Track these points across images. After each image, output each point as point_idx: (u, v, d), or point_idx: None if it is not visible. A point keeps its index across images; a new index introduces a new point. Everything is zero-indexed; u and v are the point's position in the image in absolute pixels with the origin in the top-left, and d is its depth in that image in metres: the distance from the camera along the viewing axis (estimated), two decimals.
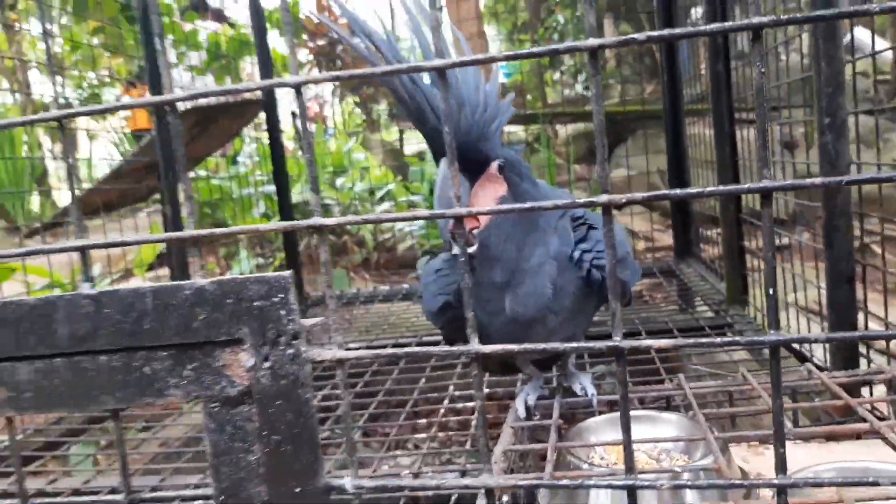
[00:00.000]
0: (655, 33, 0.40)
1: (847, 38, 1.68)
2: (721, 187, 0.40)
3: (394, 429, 1.32)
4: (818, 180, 0.39)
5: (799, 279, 1.62)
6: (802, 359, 1.39)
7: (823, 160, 1.22)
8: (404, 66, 0.46)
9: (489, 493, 0.41)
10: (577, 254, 0.89)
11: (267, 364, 0.42)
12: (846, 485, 0.41)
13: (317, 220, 0.43)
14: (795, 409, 0.87)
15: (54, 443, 1.64)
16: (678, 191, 0.40)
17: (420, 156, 5.94)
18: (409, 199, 4.59)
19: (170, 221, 2.29)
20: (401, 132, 7.28)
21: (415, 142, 6.62)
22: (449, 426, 1.52)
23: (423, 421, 1.38)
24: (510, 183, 0.88)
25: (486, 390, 1.38)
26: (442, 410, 1.35)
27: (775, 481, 0.40)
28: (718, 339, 0.41)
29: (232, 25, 5.91)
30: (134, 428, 1.85)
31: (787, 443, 0.91)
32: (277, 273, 0.42)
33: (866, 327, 1.21)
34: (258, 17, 2.87)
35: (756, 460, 0.86)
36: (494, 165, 0.87)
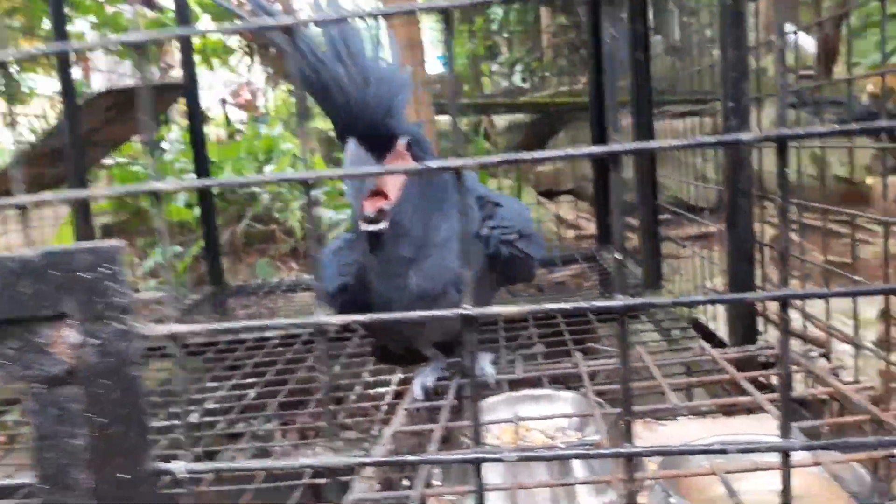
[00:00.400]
0: None
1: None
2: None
3: (303, 417, 1.29)
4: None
5: (717, 267, 1.67)
6: (710, 337, 1.43)
7: (727, 143, 1.24)
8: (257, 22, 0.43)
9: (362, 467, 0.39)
10: (484, 231, 0.89)
11: (93, 341, 0.39)
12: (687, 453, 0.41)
13: (154, 185, 0.40)
14: (689, 384, 0.89)
15: None
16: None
17: None
18: (338, 188, 4.53)
19: (79, 209, 2.19)
20: None
21: None
22: (366, 413, 1.50)
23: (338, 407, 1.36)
24: (417, 160, 0.87)
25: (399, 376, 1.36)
26: (353, 397, 1.33)
27: (622, 450, 0.39)
28: (568, 305, 0.40)
29: (162, 11, 5.70)
30: None
31: (682, 418, 0.93)
32: (108, 241, 0.39)
33: (764, 308, 1.25)
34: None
35: (649, 436, 0.87)
36: (402, 143, 0.85)
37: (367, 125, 0.80)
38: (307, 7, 0.86)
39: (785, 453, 0.39)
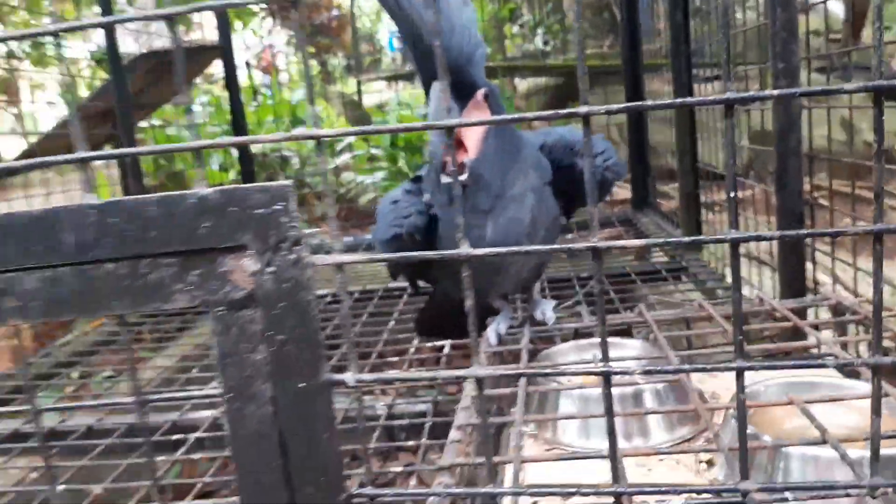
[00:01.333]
0: None
1: None
2: (685, 99, 0.44)
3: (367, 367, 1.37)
4: (775, 92, 0.43)
5: (762, 228, 1.71)
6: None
7: (777, 104, 1.27)
8: None
9: (479, 381, 0.45)
10: (598, 162, 0.94)
11: (270, 269, 0.45)
12: None
13: (197, 143, 0.46)
14: (747, 330, 0.94)
15: (22, 387, 1.64)
16: (649, 102, 0.44)
17: (380, 107, 5.88)
18: (368, 152, 4.56)
19: (129, 169, 2.25)
20: (358, 84, 7.17)
21: (373, 94, 6.54)
22: (425, 363, 1.57)
23: (396, 359, 1.43)
24: (494, 113, 0.90)
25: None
26: (412, 349, 1.40)
27: (733, 365, 0.44)
28: (685, 238, 0.45)
29: None
30: (100, 376, 1.86)
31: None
32: (279, 182, 0.45)
33: (814, 266, 1.29)
34: None
35: (711, 381, 0.92)
36: (481, 93, 0.89)
37: (450, 71, 0.83)
38: None
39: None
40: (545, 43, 9.43)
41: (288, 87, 6.18)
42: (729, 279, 1.69)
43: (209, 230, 0.45)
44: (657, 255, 2.09)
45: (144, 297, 0.47)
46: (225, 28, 2.73)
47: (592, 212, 0.45)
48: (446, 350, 1.45)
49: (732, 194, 0.45)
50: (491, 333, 0.98)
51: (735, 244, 0.44)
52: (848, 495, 0.52)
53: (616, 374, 0.45)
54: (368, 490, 0.49)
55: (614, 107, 0.44)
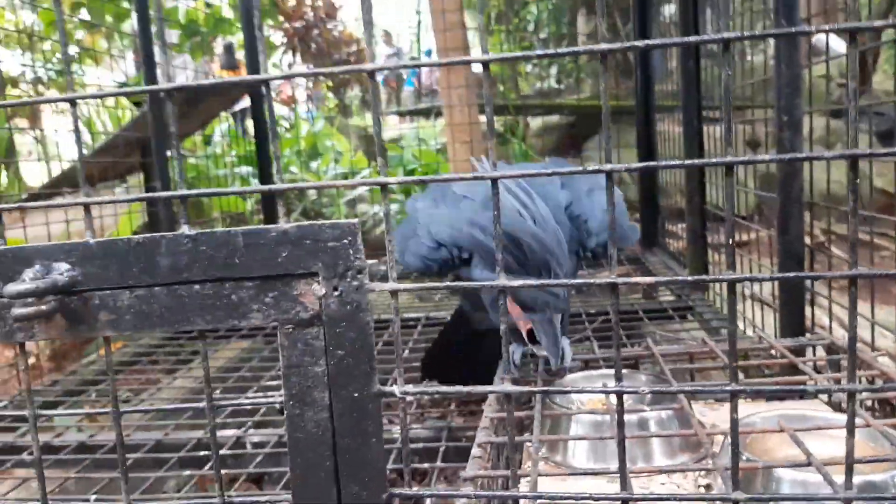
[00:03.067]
0: (625, 44, 0.51)
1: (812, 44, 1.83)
2: (691, 161, 0.52)
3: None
4: (766, 157, 0.51)
5: (765, 270, 1.78)
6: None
7: (780, 154, 1.35)
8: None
9: (508, 397, 0.52)
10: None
11: (336, 293, 0.53)
12: None
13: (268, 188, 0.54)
14: (746, 366, 1.01)
15: (53, 402, 1.71)
16: (663, 162, 0.52)
17: (396, 141, 6.02)
18: None
19: (162, 201, 2.35)
20: (374, 95, 7.33)
21: (391, 128, 6.68)
22: None
23: None
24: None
25: None
26: None
27: (727, 388, 0.52)
28: (687, 278, 0.53)
29: (208, 4, 5.91)
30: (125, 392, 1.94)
31: (738, 401, 1.04)
32: (348, 220, 0.53)
33: (812, 307, 1.36)
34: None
35: (712, 414, 0.99)
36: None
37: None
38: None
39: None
40: (558, 82, 9.62)
41: (306, 120, 6.35)
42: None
43: (286, 258, 0.53)
44: (664, 294, 2.16)
45: (225, 314, 0.55)
46: (255, 64, 2.85)
47: (612, 253, 0.53)
48: None
49: (731, 241, 0.53)
50: (507, 361, 1.05)
51: (732, 284, 0.52)
52: None
53: (628, 392, 0.52)
54: (408, 491, 0.56)
55: (633, 165, 0.52)
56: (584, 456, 0.88)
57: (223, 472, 1.34)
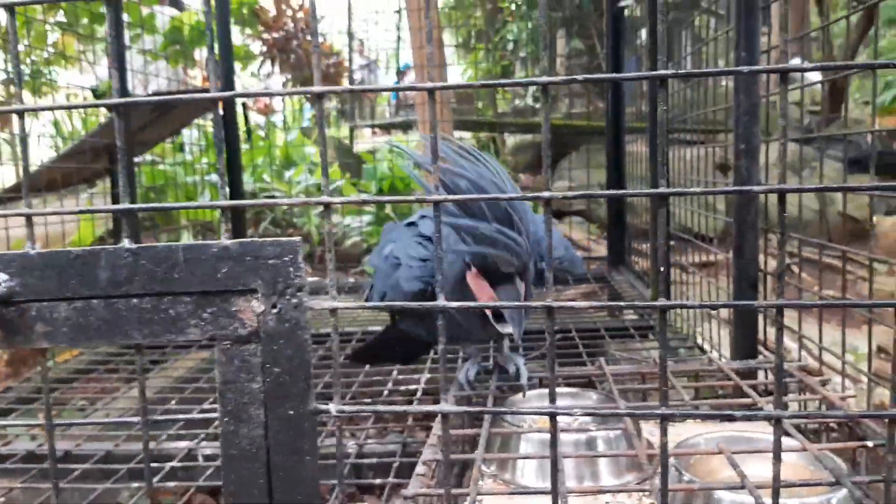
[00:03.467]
0: (595, 76, 0.52)
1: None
2: (616, 191, 0.53)
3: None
4: (698, 189, 0.52)
5: (722, 293, 1.81)
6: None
7: (737, 181, 1.39)
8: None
9: (444, 416, 0.53)
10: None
11: (274, 310, 0.53)
12: None
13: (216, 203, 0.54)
14: (696, 388, 1.02)
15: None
16: (608, 191, 0.53)
17: (372, 153, 6.02)
18: (357, 196, 4.67)
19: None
20: (351, 130, 7.34)
21: (366, 140, 6.69)
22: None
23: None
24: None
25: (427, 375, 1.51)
26: (385, 392, 1.47)
27: (657, 411, 0.53)
28: (621, 304, 0.54)
29: (181, 10, 5.87)
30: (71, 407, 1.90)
31: (688, 422, 1.06)
32: (290, 238, 0.53)
33: (765, 329, 1.39)
34: (222, 5, 2.91)
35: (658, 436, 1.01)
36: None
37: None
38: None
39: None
40: (535, 100, 9.72)
41: (282, 129, 6.32)
42: (693, 340, 1.78)
43: (225, 275, 0.53)
44: (628, 313, 2.18)
45: (162, 328, 0.54)
46: (229, 73, 2.84)
47: (549, 277, 0.54)
48: (418, 395, 1.52)
49: (662, 269, 0.54)
50: (461, 378, 1.06)
51: (663, 311, 0.53)
52: None
53: (560, 414, 0.53)
54: None
55: (570, 194, 0.53)
56: (533, 474, 0.88)
57: (173, 483, 1.33)
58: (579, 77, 0.52)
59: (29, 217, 0.57)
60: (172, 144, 4.85)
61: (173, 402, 1.67)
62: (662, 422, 0.53)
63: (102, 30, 4.77)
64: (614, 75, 0.51)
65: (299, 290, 0.52)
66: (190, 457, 1.32)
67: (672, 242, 2.19)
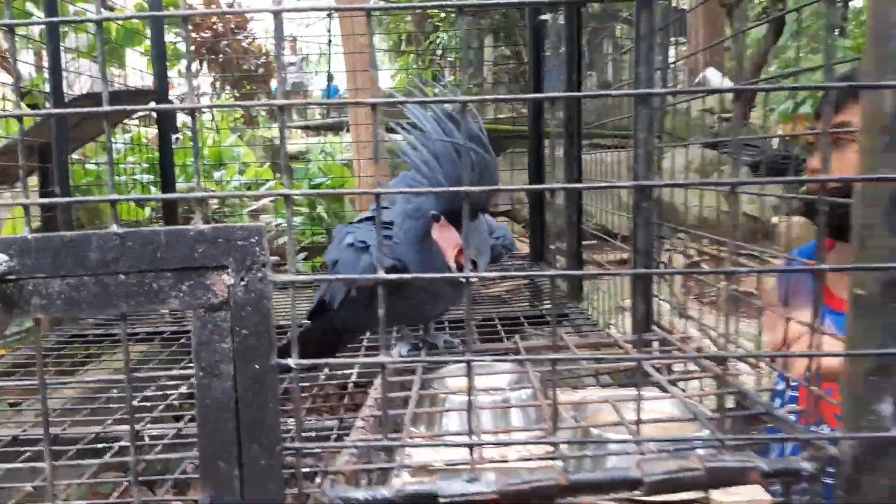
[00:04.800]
0: (519, 96, 0.67)
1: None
2: (531, 186, 0.68)
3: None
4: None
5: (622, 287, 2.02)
6: None
7: (636, 181, 1.57)
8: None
9: (383, 367, 0.66)
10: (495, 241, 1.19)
11: (242, 283, 0.65)
12: None
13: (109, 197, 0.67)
14: (596, 358, 1.20)
15: None
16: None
17: (302, 154, 6.06)
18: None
19: (62, 206, 2.35)
20: (281, 130, 7.34)
21: (297, 140, 6.71)
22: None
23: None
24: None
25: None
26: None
27: (549, 356, 0.68)
28: (520, 273, 0.69)
29: (112, 9, 5.76)
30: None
31: (591, 388, 1.23)
32: (256, 223, 0.66)
33: (659, 314, 1.58)
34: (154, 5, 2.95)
35: (565, 397, 1.17)
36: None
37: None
38: None
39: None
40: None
41: (211, 128, 6.28)
42: (598, 323, 1.97)
43: (201, 254, 0.65)
44: (546, 303, 2.37)
45: (147, 300, 0.65)
46: (163, 74, 2.88)
47: (471, 262, 0.69)
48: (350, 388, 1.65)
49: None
50: (395, 353, 1.19)
51: (554, 278, 0.68)
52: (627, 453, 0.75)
53: (475, 361, 0.67)
54: (297, 444, 0.69)
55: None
56: (457, 429, 1.03)
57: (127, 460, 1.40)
58: (489, 97, 0.67)
59: None
60: (98, 143, 4.78)
61: (114, 391, 1.73)
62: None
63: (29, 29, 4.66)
64: (497, 96, 0.66)
65: (263, 266, 0.65)
66: (137, 438, 1.40)
67: (594, 242, 2.39)
